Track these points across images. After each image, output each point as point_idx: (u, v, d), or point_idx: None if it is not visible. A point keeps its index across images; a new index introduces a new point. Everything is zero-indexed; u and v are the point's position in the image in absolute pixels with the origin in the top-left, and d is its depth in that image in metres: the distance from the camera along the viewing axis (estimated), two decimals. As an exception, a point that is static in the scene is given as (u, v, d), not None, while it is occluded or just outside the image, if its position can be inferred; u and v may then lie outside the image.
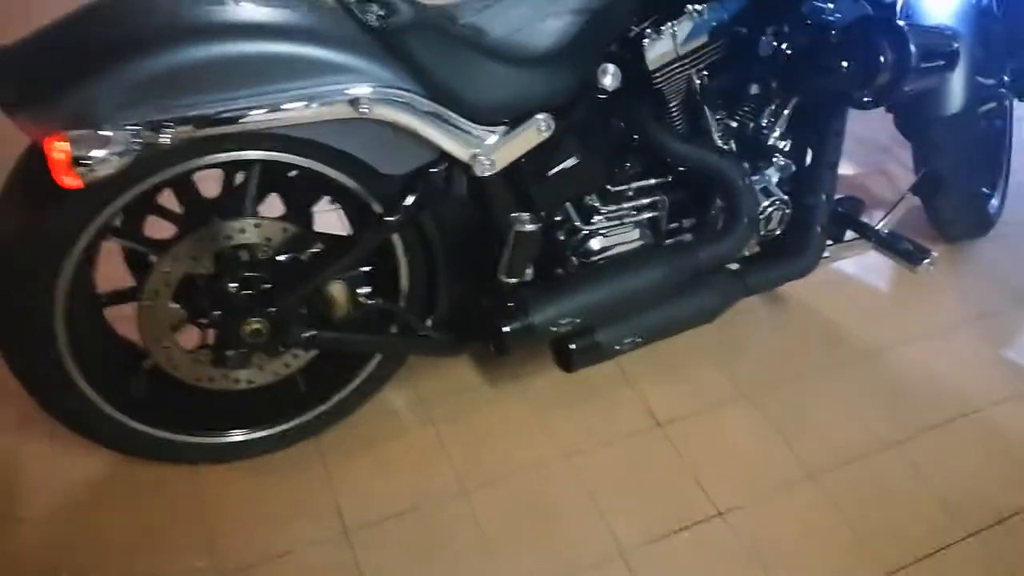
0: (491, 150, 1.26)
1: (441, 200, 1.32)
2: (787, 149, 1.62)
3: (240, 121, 1.07)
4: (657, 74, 1.41)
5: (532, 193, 1.36)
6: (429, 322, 1.45)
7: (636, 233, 1.55)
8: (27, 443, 1.50)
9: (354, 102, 1.13)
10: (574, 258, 1.51)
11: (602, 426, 1.68)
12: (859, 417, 1.73)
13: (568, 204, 1.45)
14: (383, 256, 1.38)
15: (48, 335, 1.18)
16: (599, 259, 1.52)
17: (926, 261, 1.60)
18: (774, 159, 1.62)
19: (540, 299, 1.35)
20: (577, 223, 1.47)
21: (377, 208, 1.30)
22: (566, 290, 1.38)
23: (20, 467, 1.47)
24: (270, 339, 1.29)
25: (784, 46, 1.45)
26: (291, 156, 1.20)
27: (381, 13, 1.16)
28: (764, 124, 1.59)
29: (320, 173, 1.24)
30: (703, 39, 1.42)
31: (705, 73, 1.48)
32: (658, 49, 1.39)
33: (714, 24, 1.41)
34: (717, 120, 1.54)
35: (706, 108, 1.51)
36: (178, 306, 1.27)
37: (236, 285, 1.25)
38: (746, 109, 1.57)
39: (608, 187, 1.49)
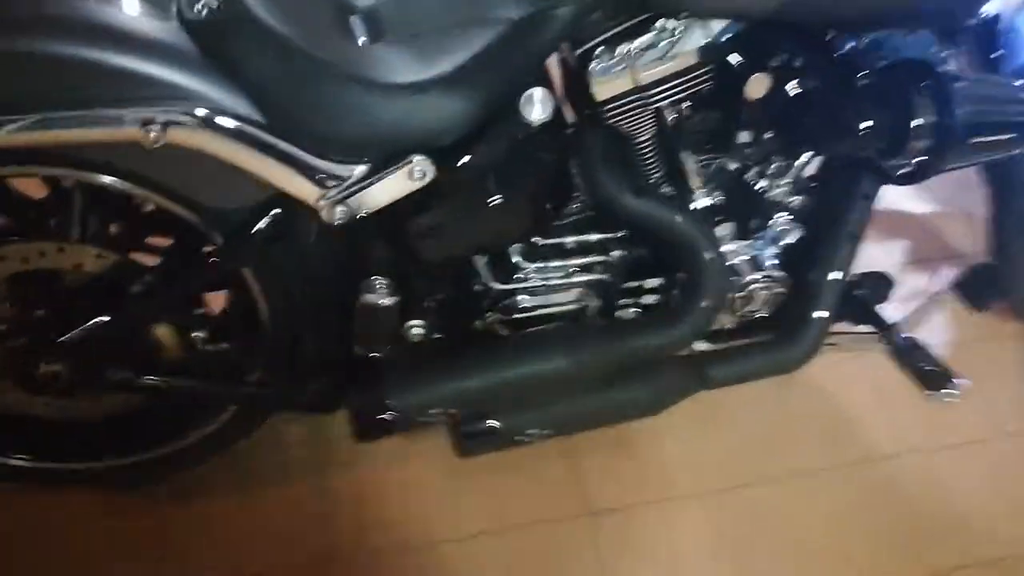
0: (344, 194, 0.97)
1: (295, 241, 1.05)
2: (796, 207, 1.26)
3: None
4: (608, 106, 1.08)
5: (416, 246, 1.07)
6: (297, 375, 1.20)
7: (572, 296, 1.24)
8: None
9: (145, 124, 0.87)
10: (493, 314, 1.22)
11: (521, 504, 1.41)
12: (838, 546, 1.39)
13: (477, 259, 1.16)
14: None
15: None
16: (525, 317, 1.23)
17: (946, 391, 1.22)
18: (775, 220, 1.26)
19: (404, 382, 1.08)
20: (489, 283, 1.17)
21: (217, 241, 1.05)
22: (439, 375, 1.11)
23: None
24: (72, 383, 1.08)
25: (790, 87, 1.07)
26: (105, 178, 0.97)
27: (213, 5, 0.89)
28: (768, 174, 1.23)
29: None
30: (677, 66, 1.06)
31: (687, 105, 1.13)
32: (609, 76, 1.05)
33: (696, 47, 1.05)
34: (700, 164, 1.19)
35: (681, 151, 1.16)
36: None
37: (32, 318, 1.04)
38: (745, 154, 1.21)
39: (535, 240, 1.18)
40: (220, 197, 0.99)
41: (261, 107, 0.92)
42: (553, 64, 1.12)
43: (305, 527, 1.35)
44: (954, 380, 1.21)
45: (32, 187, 1.11)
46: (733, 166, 1.21)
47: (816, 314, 1.28)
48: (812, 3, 1.04)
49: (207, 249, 1.06)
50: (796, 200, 1.25)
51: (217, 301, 1.23)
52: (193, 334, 1.12)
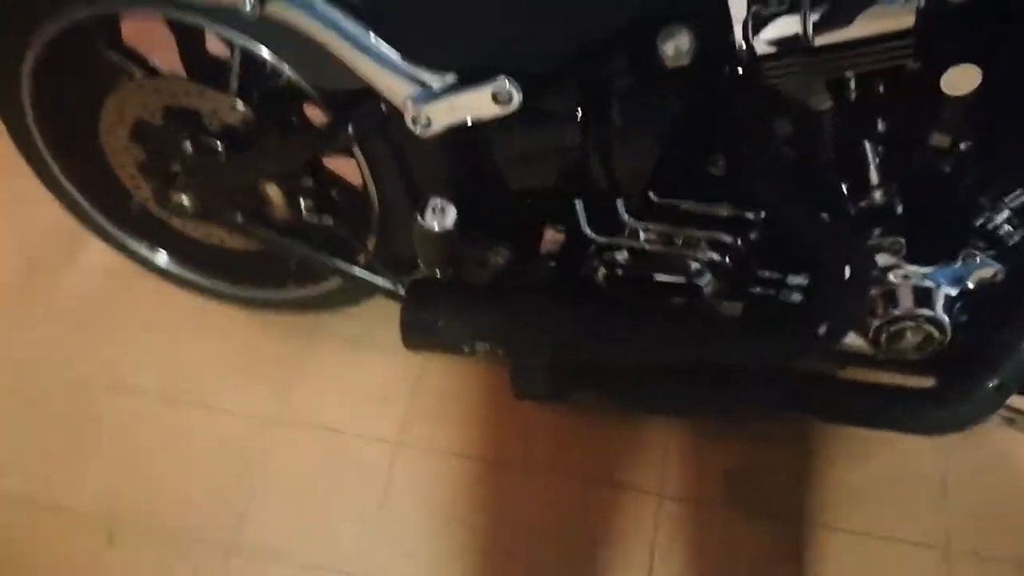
0: (427, 102, 0.92)
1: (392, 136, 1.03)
2: (1005, 243, 0.98)
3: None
4: (771, 63, 0.89)
5: (503, 172, 0.99)
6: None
7: (684, 269, 1.09)
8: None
9: None
10: (598, 264, 1.12)
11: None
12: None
13: (578, 201, 1.05)
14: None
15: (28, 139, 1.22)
16: (627, 276, 1.12)
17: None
18: (968, 251, 0.99)
19: (454, 310, 1.04)
20: (586, 230, 1.07)
21: (327, 114, 1.06)
22: (491, 311, 1.04)
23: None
24: (195, 213, 1.19)
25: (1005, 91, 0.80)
26: (232, 34, 1.02)
27: None
28: (976, 191, 0.96)
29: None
30: (864, 30, 0.84)
31: (880, 80, 0.90)
32: (775, 27, 0.86)
33: (895, 13, 0.82)
34: (885, 156, 0.96)
35: (862, 135, 0.94)
36: (136, 146, 1.20)
37: (173, 146, 1.15)
38: (939, 161, 0.95)
39: (651, 195, 1.04)
40: (325, 76, 0.99)
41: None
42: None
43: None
44: None
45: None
46: (929, 169, 0.96)
47: (986, 380, 1.01)
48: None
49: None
50: (1010, 234, 0.97)
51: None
52: (301, 200, 1.16)
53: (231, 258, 1.35)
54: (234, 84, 1.10)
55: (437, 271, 1.05)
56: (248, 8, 0.88)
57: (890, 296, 1.00)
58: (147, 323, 1.49)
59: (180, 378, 1.43)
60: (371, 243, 1.21)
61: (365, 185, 1.14)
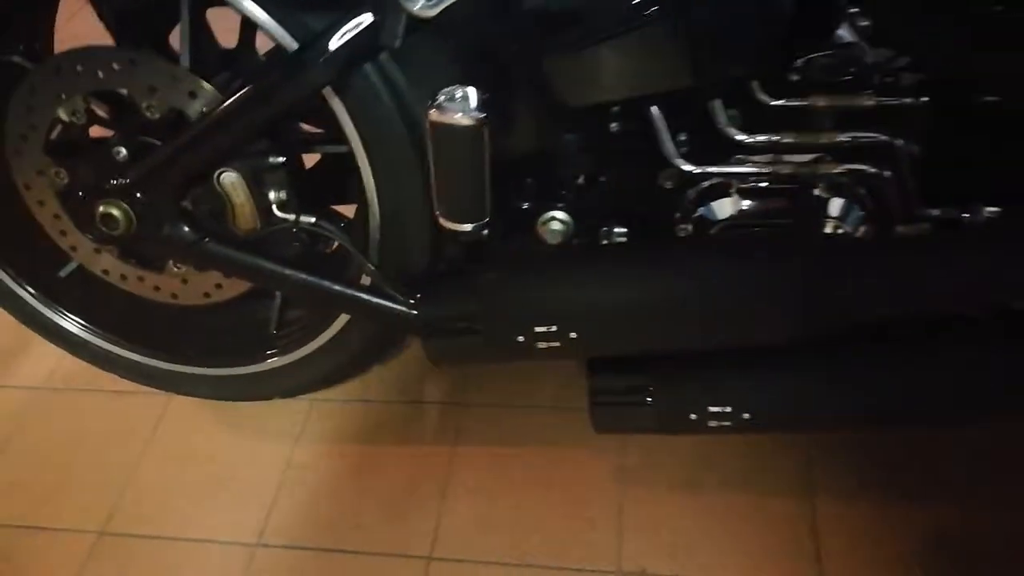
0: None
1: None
2: None
3: None
4: None
5: (555, 73, 0.69)
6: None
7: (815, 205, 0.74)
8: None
9: None
10: (678, 215, 0.78)
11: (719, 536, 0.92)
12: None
13: (655, 116, 0.73)
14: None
15: None
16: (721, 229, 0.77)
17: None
18: None
19: (503, 285, 0.68)
20: (673, 160, 0.73)
21: (292, 47, 0.77)
22: (556, 275, 0.68)
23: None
24: (128, 232, 0.87)
25: None
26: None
27: None
28: None
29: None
30: None
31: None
32: None
33: None
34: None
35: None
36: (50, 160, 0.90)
37: (101, 148, 0.85)
38: None
39: (759, 95, 0.72)
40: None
41: None
42: None
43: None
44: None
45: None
46: None
47: None
48: None
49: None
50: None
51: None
52: (269, 193, 0.84)
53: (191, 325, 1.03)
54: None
55: (468, 224, 0.70)
56: None
57: None
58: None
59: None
60: (373, 250, 0.87)
61: (350, 156, 0.82)
